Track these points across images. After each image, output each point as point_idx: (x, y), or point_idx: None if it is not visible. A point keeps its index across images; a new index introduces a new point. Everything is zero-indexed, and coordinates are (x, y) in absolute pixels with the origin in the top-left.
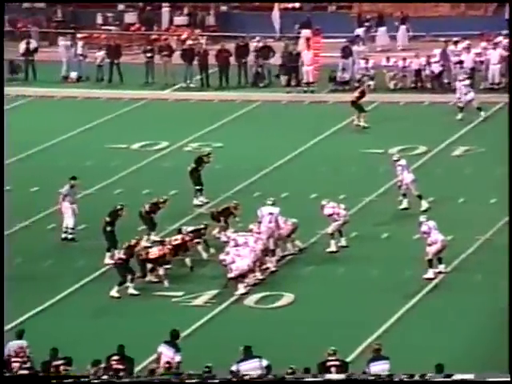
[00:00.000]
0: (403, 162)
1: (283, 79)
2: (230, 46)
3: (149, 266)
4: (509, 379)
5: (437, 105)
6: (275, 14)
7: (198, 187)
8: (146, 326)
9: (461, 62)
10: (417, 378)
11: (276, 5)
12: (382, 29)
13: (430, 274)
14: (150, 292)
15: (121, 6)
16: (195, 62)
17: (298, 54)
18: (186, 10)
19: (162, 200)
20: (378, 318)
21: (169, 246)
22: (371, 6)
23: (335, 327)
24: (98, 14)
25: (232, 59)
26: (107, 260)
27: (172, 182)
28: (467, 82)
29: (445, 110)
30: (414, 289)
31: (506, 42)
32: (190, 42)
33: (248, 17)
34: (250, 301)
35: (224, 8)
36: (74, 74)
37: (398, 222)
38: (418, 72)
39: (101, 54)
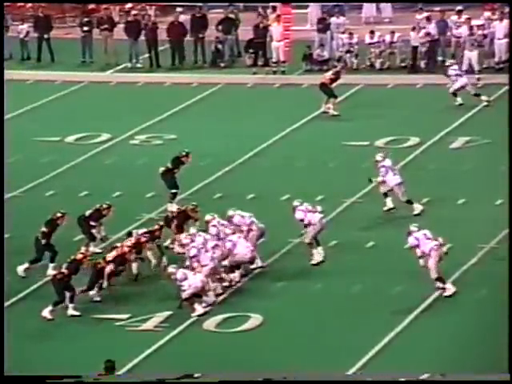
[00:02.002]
0: (388, 162)
1: (248, 58)
2: (185, 18)
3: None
4: (509, 379)
5: (432, 88)
6: None
7: (173, 191)
8: (82, 355)
9: (472, 35)
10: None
11: None
12: None
13: (450, 289)
14: (90, 314)
15: None
16: (142, 38)
17: (266, 28)
18: None
19: (105, 206)
20: (362, 343)
21: (127, 246)
22: None
23: (311, 354)
24: None
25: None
26: (50, 271)
27: (116, 181)
28: (456, 66)
29: (441, 93)
30: (406, 307)
31: None
32: (135, 12)
33: None
34: (211, 324)
35: None
36: None
37: (385, 227)
38: (415, 49)
39: (25, 27)
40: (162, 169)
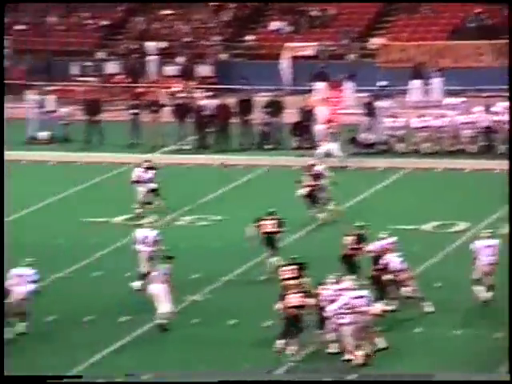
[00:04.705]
0: None
1: (294, 141)
2: (231, 100)
3: None
4: (509, 379)
5: (480, 172)
6: (284, 64)
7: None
8: None
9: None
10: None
11: (285, 53)
12: (417, 82)
13: None
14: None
15: (101, 54)
16: (189, 120)
17: (311, 111)
18: (178, 59)
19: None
20: None
21: None
22: (400, 54)
23: None
24: (72, 63)
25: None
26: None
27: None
28: None
29: (489, 178)
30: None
31: None
32: (182, 95)
33: (252, 66)
34: None
35: (223, 56)
36: (43, 134)
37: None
38: (488, 130)
39: (69, 109)
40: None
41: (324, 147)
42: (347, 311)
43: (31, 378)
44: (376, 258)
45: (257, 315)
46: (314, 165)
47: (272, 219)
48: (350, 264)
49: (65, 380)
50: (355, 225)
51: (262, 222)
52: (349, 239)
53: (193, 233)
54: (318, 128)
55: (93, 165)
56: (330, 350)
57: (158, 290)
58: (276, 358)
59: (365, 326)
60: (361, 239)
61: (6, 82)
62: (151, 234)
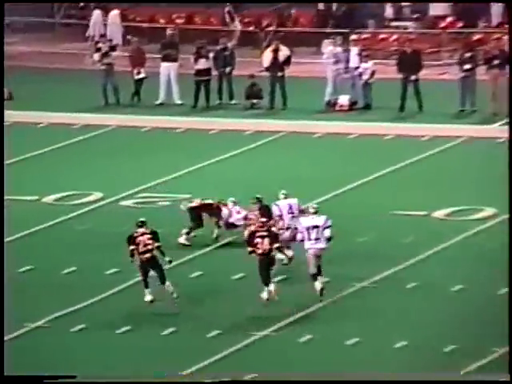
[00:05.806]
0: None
1: None
2: None
3: None
4: (509, 379)
5: None
6: None
7: None
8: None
9: None
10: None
11: None
12: None
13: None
14: None
15: None
16: None
17: None
18: None
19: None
20: None
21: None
22: None
23: None
24: (387, 5)
25: None
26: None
27: None
28: None
29: None
30: None
31: None
32: None
33: None
34: None
35: None
36: (344, 99)
37: None
38: None
39: (369, 65)
40: None
41: None
42: None
43: (31, 378)
44: None
45: None
46: None
47: None
48: None
49: (60, 380)
50: None
51: None
52: None
53: None
54: None
55: (405, 139)
56: None
57: None
58: None
59: None
60: None
61: (296, 30)
62: (294, 202)
